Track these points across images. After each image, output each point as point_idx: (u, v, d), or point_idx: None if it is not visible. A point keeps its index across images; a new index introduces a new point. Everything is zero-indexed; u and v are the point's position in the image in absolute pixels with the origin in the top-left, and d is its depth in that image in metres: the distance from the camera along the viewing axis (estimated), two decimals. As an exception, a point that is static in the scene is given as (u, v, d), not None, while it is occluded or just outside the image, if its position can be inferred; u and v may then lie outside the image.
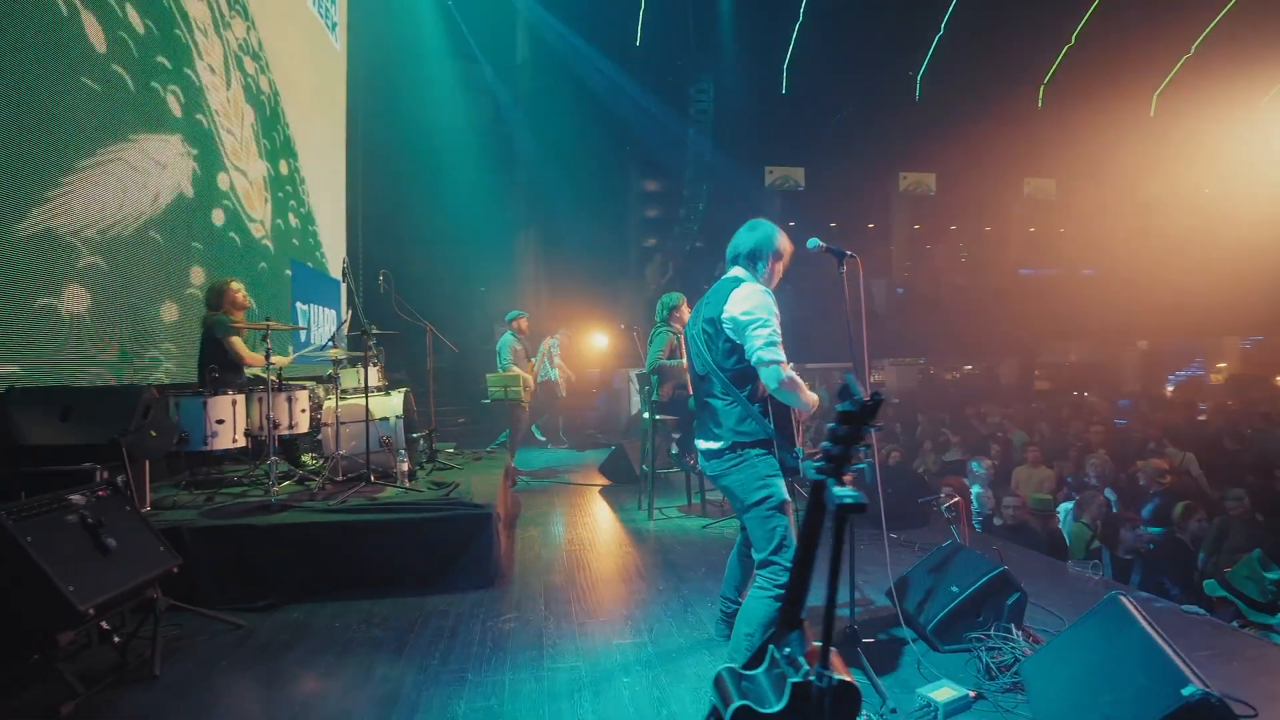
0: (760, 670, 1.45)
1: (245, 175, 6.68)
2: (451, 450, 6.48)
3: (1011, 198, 19.77)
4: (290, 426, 4.68)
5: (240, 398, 4.47)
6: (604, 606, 3.65)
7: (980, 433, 9.87)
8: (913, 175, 19.24)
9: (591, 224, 14.33)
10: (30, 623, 2.50)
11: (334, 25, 10.03)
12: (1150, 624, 2.22)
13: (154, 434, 3.85)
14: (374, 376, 5.48)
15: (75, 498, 2.81)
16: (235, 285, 4.99)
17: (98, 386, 4.18)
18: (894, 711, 2.40)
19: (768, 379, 2.38)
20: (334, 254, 9.56)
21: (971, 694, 2.42)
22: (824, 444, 1.32)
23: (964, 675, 2.69)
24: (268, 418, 4.38)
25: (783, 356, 2.37)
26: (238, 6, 6.63)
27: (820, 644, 1.35)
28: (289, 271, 7.71)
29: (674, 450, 6.07)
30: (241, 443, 4.49)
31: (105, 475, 3.34)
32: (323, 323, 9.12)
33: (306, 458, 5.39)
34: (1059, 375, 19.27)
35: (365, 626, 3.33)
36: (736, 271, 2.60)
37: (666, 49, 15.47)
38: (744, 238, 2.63)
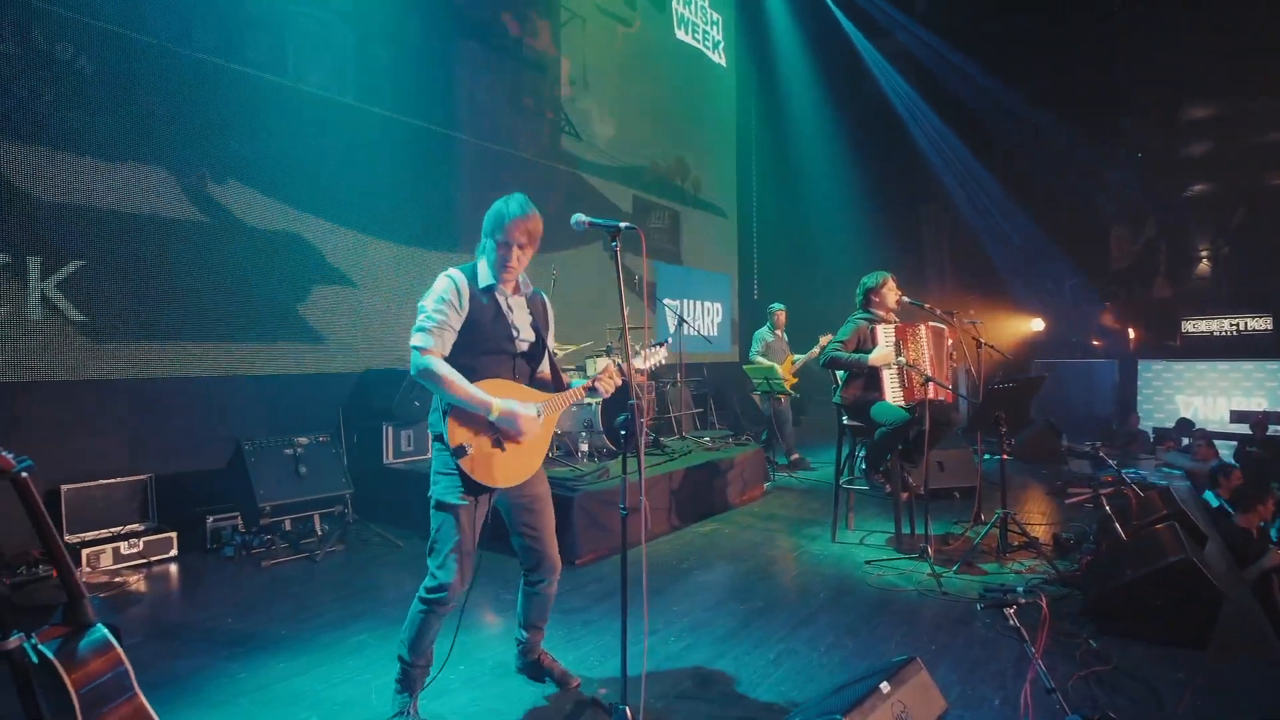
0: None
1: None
2: (708, 439, 6.71)
3: None
4: (522, 405, 5.89)
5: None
6: (598, 605, 3.62)
7: None
8: None
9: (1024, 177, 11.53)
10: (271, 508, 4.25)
11: (716, 44, 11.04)
12: None
13: (416, 404, 5.54)
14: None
15: (300, 439, 4.52)
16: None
17: (394, 370, 6.12)
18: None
19: (411, 365, 2.29)
20: (718, 252, 10.82)
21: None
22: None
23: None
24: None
25: (426, 344, 2.24)
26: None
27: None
28: (654, 276, 9.12)
29: (860, 465, 4.90)
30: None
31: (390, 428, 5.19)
32: (700, 315, 10.33)
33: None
34: None
35: (447, 566, 4.21)
36: None
37: None
38: None
